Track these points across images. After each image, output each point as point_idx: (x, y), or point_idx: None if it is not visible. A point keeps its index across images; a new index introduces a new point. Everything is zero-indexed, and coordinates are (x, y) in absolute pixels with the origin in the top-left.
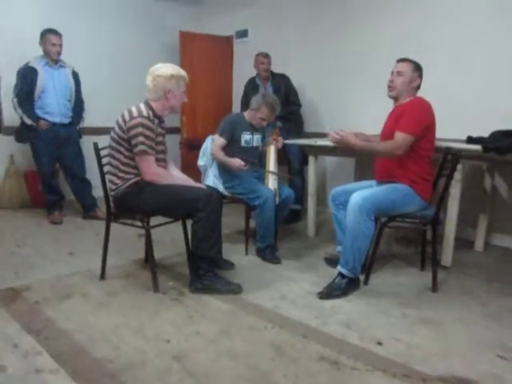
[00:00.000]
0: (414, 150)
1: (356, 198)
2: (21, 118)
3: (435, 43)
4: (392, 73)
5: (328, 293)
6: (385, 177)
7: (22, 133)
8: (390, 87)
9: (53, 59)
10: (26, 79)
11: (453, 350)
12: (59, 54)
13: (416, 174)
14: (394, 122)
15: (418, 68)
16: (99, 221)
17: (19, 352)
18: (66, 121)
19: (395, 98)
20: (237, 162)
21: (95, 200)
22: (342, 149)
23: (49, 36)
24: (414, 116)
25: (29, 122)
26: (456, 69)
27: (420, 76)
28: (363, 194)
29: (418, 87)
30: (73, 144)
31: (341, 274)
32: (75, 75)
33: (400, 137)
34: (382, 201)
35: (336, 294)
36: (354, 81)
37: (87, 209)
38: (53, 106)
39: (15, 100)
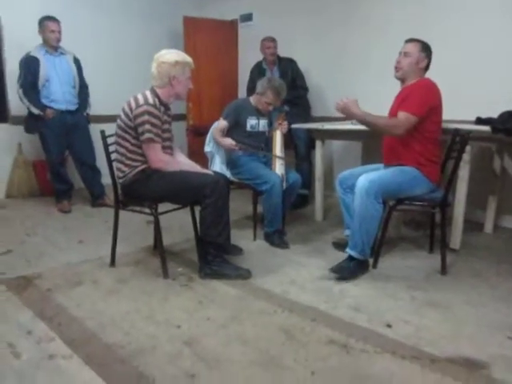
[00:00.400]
0: (418, 132)
1: (363, 181)
2: (28, 108)
3: (443, 27)
4: (400, 53)
5: (340, 272)
6: (392, 160)
7: (30, 123)
8: (397, 68)
9: (52, 46)
10: (29, 69)
11: (462, 332)
12: (59, 40)
13: (422, 155)
14: (401, 103)
15: (425, 48)
16: (108, 208)
17: (33, 338)
18: (73, 107)
19: (402, 80)
20: (227, 142)
21: (104, 188)
22: (346, 117)
23: (47, 23)
24: (418, 96)
25: (36, 111)
26: (465, 51)
27: (428, 56)
28: (370, 176)
29: (427, 68)
30: (81, 130)
31: (350, 257)
32: (77, 61)
33: (403, 116)
34: (388, 183)
35: (345, 276)
36: (361, 65)
37: (96, 197)
38: (57, 93)
39: (20, 90)
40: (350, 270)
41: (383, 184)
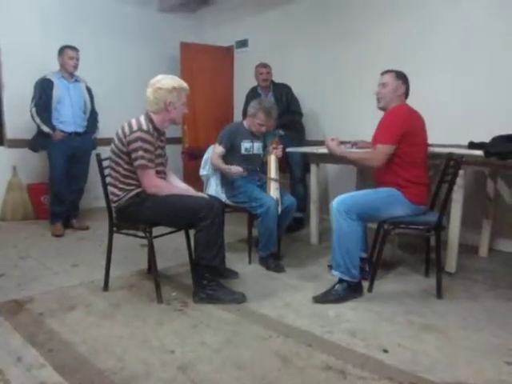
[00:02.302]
0: (398, 156)
1: (335, 201)
2: (38, 127)
3: (436, 51)
4: (378, 85)
5: (324, 297)
6: (379, 183)
7: (38, 141)
8: (378, 99)
9: (69, 72)
10: (44, 90)
11: (459, 357)
12: (76, 67)
13: (403, 178)
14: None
15: (399, 76)
16: (102, 232)
17: (23, 365)
18: (81, 130)
19: (384, 109)
20: (236, 169)
21: (77, 211)
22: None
23: (67, 50)
24: (386, 125)
25: (46, 129)
26: (457, 75)
27: (404, 83)
28: (342, 196)
29: (406, 94)
30: (84, 153)
31: (339, 280)
32: (89, 90)
33: (378, 148)
34: (359, 200)
35: (332, 299)
36: (355, 90)
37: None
38: (68, 116)
39: (33, 109)
40: (338, 294)
41: (354, 201)
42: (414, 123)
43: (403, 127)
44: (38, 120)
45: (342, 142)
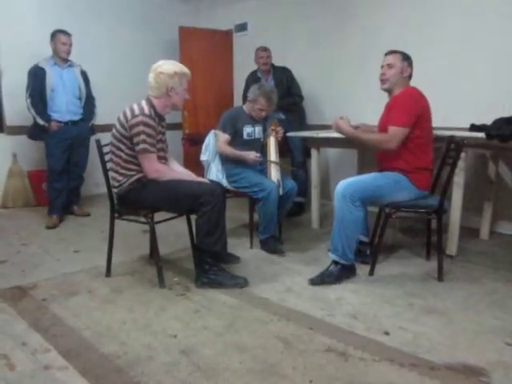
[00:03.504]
0: (409, 139)
1: (340, 185)
2: (34, 118)
3: (437, 33)
4: (382, 66)
5: (320, 279)
6: (383, 166)
7: (35, 131)
8: (383, 80)
9: (62, 58)
10: (36, 79)
11: (460, 338)
12: (69, 53)
13: (411, 163)
14: (388, 115)
15: (406, 57)
16: (104, 218)
17: (28, 350)
18: (76, 118)
19: (389, 91)
20: (252, 155)
21: (79, 197)
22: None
23: (59, 35)
24: (402, 107)
25: (41, 122)
26: (458, 58)
27: (410, 65)
28: (347, 180)
29: (410, 77)
30: (82, 141)
31: (334, 261)
32: (83, 74)
33: (392, 130)
34: (365, 186)
35: (328, 280)
36: (356, 73)
37: (67, 204)
38: (61, 104)
39: (29, 100)
40: (333, 275)
41: (359, 187)
42: (427, 107)
43: (417, 110)
44: (33, 111)
45: None
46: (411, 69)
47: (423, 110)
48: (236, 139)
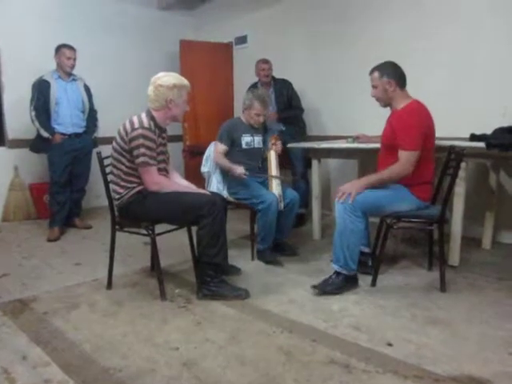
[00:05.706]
0: None
1: None
2: (37, 131)
3: (436, 43)
4: (371, 86)
5: (322, 287)
6: None
7: (38, 144)
8: (376, 100)
9: (66, 72)
10: (41, 91)
11: (464, 349)
12: (73, 67)
13: (413, 178)
14: (392, 127)
15: (382, 73)
16: (105, 230)
17: (28, 364)
18: (80, 130)
19: (388, 105)
20: (238, 170)
21: (80, 210)
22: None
23: (64, 50)
24: (409, 130)
25: (45, 134)
26: (458, 67)
27: (390, 76)
28: None
29: (399, 84)
30: (86, 155)
31: (336, 272)
32: (87, 88)
33: (404, 156)
34: (366, 197)
35: (329, 289)
36: (356, 84)
37: (69, 216)
38: (66, 117)
39: (33, 113)
40: (335, 285)
41: (360, 198)
42: (429, 122)
43: (425, 127)
44: (37, 124)
45: (344, 137)
46: (394, 79)
47: (427, 127)
48: (235, 149)
